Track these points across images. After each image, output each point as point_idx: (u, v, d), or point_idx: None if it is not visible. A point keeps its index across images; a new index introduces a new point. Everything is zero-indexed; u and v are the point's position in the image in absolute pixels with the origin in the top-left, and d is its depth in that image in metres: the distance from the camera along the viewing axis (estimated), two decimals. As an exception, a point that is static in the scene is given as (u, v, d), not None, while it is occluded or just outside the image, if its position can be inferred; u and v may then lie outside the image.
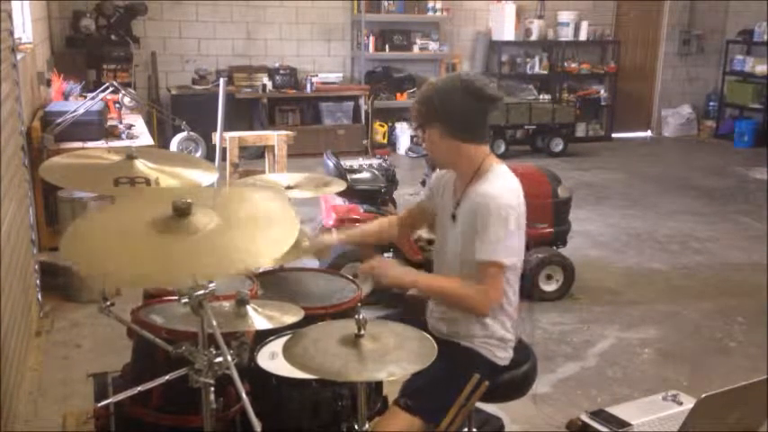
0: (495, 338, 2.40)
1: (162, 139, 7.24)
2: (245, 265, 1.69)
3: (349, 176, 4.62)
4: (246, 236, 1.71)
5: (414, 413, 2.24)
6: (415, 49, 9.51)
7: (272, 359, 2.24)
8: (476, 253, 2.25)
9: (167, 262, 1.63)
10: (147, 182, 1.89)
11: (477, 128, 2.38)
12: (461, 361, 2.31)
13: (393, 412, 2.28)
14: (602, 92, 10.57)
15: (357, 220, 4.57)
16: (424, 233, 4.92)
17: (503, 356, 2.43)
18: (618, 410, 2.22)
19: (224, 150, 5.52)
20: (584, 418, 2.20)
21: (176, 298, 1.85)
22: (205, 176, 2.05)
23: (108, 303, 2.03)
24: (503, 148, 9.07)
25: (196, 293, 1.74)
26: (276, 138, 5.70)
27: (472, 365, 2.27)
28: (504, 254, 2.24)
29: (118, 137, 5.09)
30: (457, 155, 2.37)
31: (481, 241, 2.24)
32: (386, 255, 4.69)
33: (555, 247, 4.86)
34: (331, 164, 4.64)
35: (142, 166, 1.94)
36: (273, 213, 1.80)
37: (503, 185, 2.31)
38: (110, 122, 5.37)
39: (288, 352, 1.92)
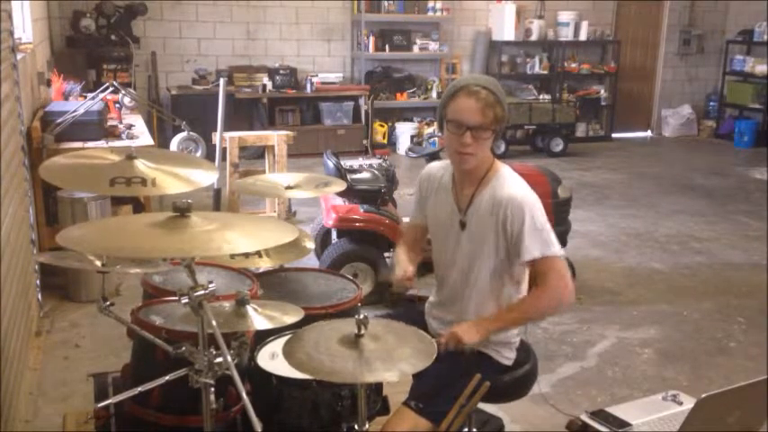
0: (503, 339, 2.40)
1: (162, 139, 7.25)
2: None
3: (349, 176, 4.61)
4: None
5: (423, 416, 2.24)
6: (415, 49, 9.51)
7: (273, 359, 2.24)
8: (527, 253, 2.23)
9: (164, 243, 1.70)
10: (144, 182, 1.88)
11: None
12: (470, 363, 2.29)
13: (402, 413, 2.26)
14: (602, 92, 10.57)
15: (357, 220, 4.57)
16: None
17: (509, 356, 2.43)
18: (618, 410, 2.22)
19: (224, 150, 5.52)
20: (584, 418, 2.20)
21: (176, 298, 1.85)
22: (205, 176, 2.03)
23: (108, 303, 2.03)
24: (503, 148, 9.08)
25: (196, 294, 1.74)
26: (276, 138, 5.70)
27: (481, 368, 2.26)
28: (557, 244, 2.27)
29: (118, 137, 5.09)
30: (484, 157, 2.35)
31: (531, 240, 2.23)
32: (385, 254, 4.69)
33: (555, 247, 4.85)
34: (331, 164, 4.64)
35: (141, 166, 1.93)
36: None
37: (521, 184, 2.33)
38: (110, 122, 5.37)
39: (290, 356, 1.89)
